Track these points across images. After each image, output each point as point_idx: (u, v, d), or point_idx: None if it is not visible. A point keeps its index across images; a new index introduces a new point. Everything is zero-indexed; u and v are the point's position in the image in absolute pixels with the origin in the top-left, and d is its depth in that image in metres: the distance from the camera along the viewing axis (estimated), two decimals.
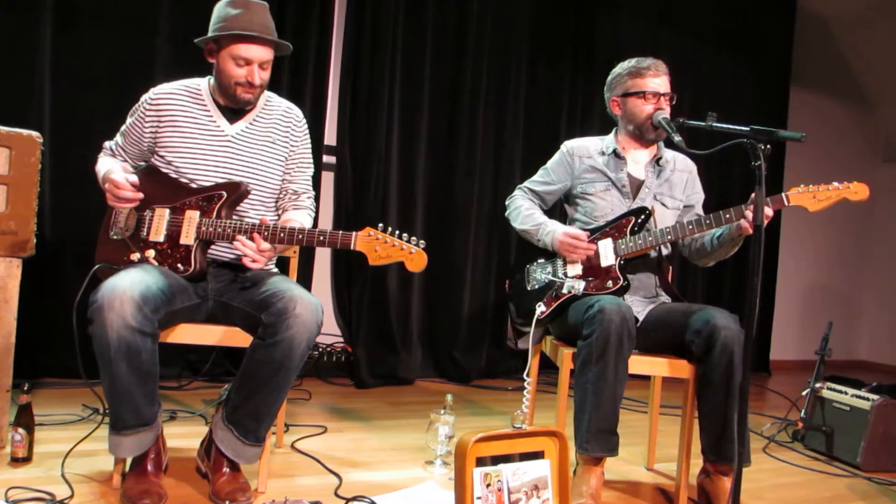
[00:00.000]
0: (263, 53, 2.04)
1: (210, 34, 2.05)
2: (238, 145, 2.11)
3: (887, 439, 2.84)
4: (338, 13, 3.76)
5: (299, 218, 2.16)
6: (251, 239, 1.93)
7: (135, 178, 2.00)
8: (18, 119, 2.41)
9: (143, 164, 2.19)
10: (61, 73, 3.08)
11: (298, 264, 2.54)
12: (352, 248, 1.93)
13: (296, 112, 2.24)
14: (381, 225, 1.93)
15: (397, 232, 1.92)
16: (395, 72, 3.83)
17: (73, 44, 3.09)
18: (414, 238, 1.92)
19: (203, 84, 2.15)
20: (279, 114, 2.20)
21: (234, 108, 2.12)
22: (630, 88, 2.38)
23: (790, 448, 3.09)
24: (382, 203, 3.82)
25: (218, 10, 2.07)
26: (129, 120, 2.15)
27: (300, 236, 1.94)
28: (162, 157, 2.09)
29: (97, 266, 1.99)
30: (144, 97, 2.13)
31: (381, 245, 1.90)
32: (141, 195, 2.00)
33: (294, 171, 2.22)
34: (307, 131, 2.27)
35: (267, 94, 2.21)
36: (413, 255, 1.90)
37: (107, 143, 2.22)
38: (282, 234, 1.94)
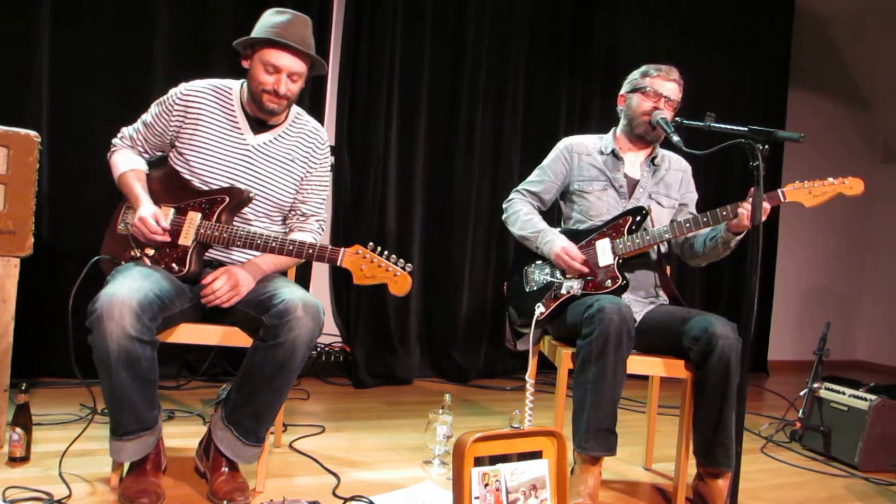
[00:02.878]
0: (293, 64, 2.03)
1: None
2: (257, 157, 2.11)
3: (885, 439, 2.84)
4: (336, 13, 3.76)
5: (302, 239, 2.15)
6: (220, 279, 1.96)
7: (166, 223, 1.99)
8: (16, 118, 2.41)
9: (160, 153, 2.19)
10: (59, 73, 3.07)
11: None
12: (338, 264, 1.92)
13: (321, 134, 2.24)
14: (371, 244, 1.93)
15: (385, 252, 1.92)
16: (394, 72, 3.82)
17: (72, 43, 3.09)
18: (401, 261, 1.92)
19: (235, 88, 2.14)
20: (305, 132, 2.20)
21: (261, 120, 2.12)
22: (637, 85, 2.40)
23: (788, 448, 3.09)
24: (381, 203, 3.82)
25: (263, 17, 2.07)
26: (153, 110, 2.14)
27: (290, 248, 1.95)
28: (181, 153, 2.09)
29: (98, 257, 1.99)
30: (175, 91, 2.12)
31: (367, 265, 1.90)
32: (168, 238, 2.00)
33: (308, 192, 2.21)
34: (328, 154, 2.27)
35: (297, 110, 2.21)
36: (397, 278, 1.90)
37: (125, 129, 2.19)
38: (273, 244, 1.95)
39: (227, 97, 2.12)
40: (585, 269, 2.29)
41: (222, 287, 1.95)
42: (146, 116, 2.16)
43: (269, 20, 2.04)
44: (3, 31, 2.96)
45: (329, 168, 2.28)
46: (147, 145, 2.17)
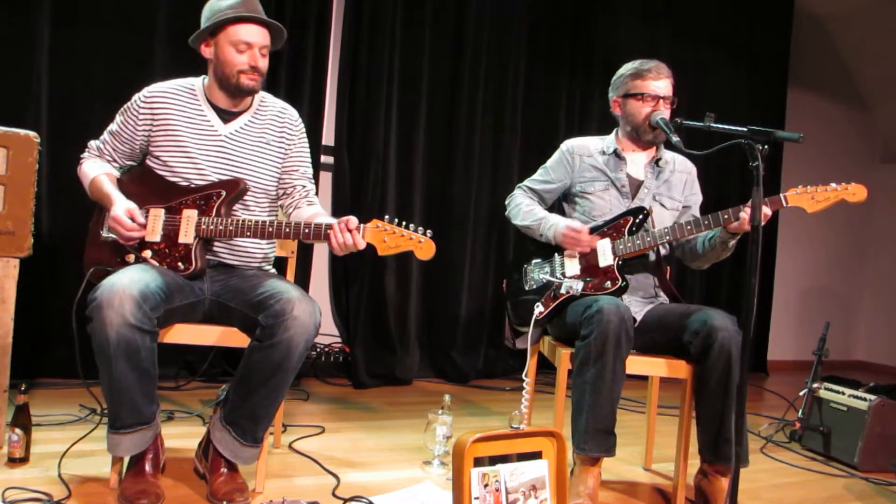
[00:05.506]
0: (262, 37, 2.05)
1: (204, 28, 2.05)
2: (231, 145, 2.11)
3: (884, 439, 2.84)
4: (335, 14, 3.76)
5: (313, 212, 2.16)
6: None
7: (139, 217, 1.97)
8: (16, 119, 2.41)
9: (131, 163, 2.17)
10: (59, 73, 3.07)
11: (296, 264, 2.54)
12: None
13: (290, 113, 2.23)
14: (386, 217, 1.93)
15: (403, 223, 1.92)
16: (393, 73, 3.82)
17: (71, 44, 3.09)
18: (420, 228, 1.92)
19: (198, 83, 2.15)
20: (274, 114, 2.19)
21: (228, 109, 2.12)
22: (630, 90, 2.39)
23: (787, 448, 3.09)
24: (380, 204, 3.81)
25: (210, 6, 2.07)
26: (118, 119, 2.14)
27: (306, 230, 1.94)
28: (157, 157, 2.09)
29: (91, 269, 1.98)
30: (137, 96, 2.12)
31: (389, 236, 1.90)
32: (146, 231, 1.98)
33: (300, 168, 2.22)
34: (304, 131, 2.26)
35: (262, 94, 2.20)
36: (422, 243, 1.90)
37: (92, 143, 2.19)
38: (287, 230, 1.95)
39: (190, 93, 2.13)
40: (594, 243, 2.29)
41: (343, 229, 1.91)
42: (112, 126, 2.15)
43: (220, 5, 2.04)
44: (3, 31, 2.96)
45: (307, 143, 2.27)
46: (116, 154, 2.15)
